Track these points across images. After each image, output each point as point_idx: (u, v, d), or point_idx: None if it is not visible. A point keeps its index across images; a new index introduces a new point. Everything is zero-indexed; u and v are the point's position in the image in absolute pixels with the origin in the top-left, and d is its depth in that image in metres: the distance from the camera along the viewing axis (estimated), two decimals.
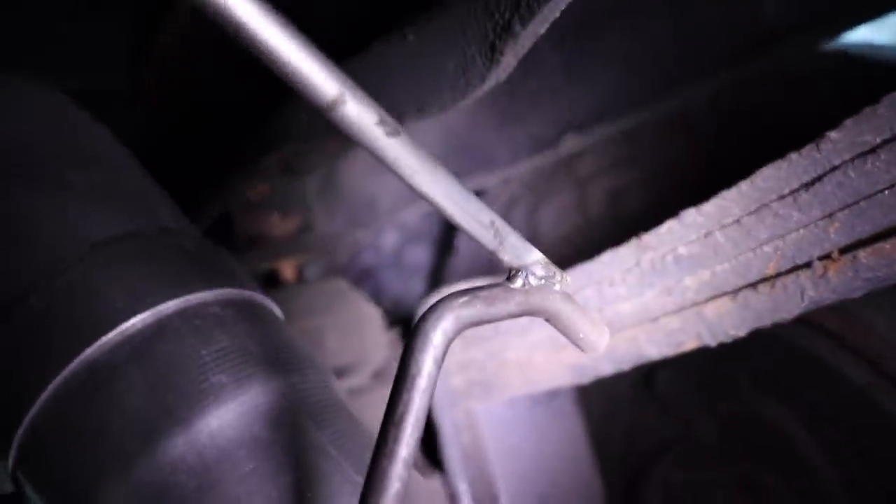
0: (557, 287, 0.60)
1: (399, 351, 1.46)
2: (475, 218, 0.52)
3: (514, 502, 1.35)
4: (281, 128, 1.16)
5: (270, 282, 1.42)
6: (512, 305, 0.56)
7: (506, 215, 1.78)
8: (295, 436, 0.71)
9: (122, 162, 1.02)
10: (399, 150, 0.47)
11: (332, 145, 1.19)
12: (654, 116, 1.61)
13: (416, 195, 0.54)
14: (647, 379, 1.68)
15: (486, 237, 0.53)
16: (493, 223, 0.53)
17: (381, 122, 0.46)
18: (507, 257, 0.56)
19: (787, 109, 1.45)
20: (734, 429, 1.64)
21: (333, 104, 0.44)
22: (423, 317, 0.54)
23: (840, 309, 1.33)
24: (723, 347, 0.91)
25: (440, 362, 0.53)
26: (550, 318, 0.59)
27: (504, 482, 1.34)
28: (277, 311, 0.93)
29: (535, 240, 1.78)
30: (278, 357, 0.78)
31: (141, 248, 0.84)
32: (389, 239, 1.78)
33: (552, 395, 1.35)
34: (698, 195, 0.91)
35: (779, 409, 1.56)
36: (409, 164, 0.48)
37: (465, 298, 0.54)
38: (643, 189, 1.69)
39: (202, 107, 1.40)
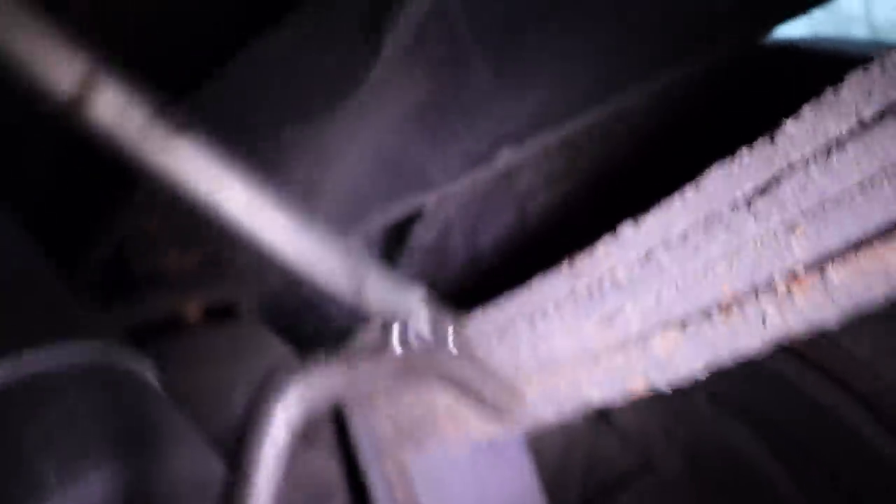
0: (450, 342, 0.45)
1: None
2: (314, 250, 0.38)
3: None
4: None
5: (173, 324, 1.26)
6: (385, 373, 0.42)
7: (444, 238, 1.65)
8: None
9: None
10: (181, 158, 0.33)
11: None
12: (593, 123, 1.50)
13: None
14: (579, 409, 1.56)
15: (338, 277, 0.39)
16: (345, 257, 0.39)
17: (156, 118, 0.31)
18: (373, 306, 0.41)
19: (732, 107, 1.35)
20: (697, 458, 1.54)
21: (75, 101, 0.29)
22: (255, 403, 0.39)
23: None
24: None
25: (285, 458, 0.39)
26: (446, 385, 0.45)
27: None
28: (149, 372, 0.77)
29: (475, 264, 1.66)
30: (130, 437, 0.62)
31: None
32: None
33: (494, 441, 1.21)
34: (645, 206, 0.78)
35: (743, 433, 1.46)
36: (200, 173, 0.34)
37: (315, 373, 0.39)
38: (585, 202, 1.58)
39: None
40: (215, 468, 0.68)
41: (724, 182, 0.69)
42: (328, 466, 1.19)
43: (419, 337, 0.42)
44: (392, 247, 1.77)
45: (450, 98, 1.52)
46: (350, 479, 1.21)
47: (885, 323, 1.11)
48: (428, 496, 1.16)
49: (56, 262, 0.90)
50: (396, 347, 0.42)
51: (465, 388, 0.45)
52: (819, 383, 1.28)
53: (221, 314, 1.31)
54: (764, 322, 0.67)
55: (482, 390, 0.46)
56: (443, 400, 1.01)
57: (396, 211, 1.59)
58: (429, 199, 1.62)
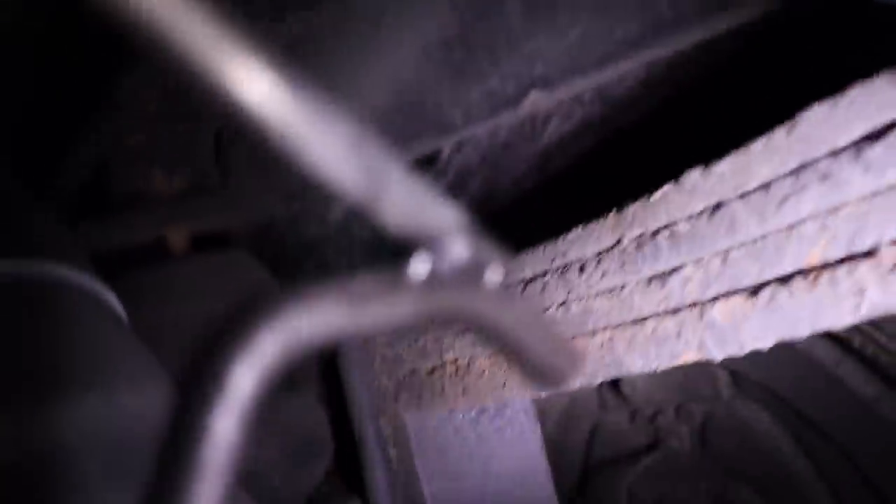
0: (489, 278, 0.33)
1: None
2: (318, 128, 0.25)
3: None
4: None
5: (156, 251, 1.13)
6: (402, 308, 0.29)
7: (460, 185, 1.55)
8: (65, 497, 0.43)
9: None
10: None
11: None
12: (634, 69, 1.39)
13: None
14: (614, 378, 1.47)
15: (345, 172, 0.26)
16: (358, 145, 0.26)
17: None
18: (393, 220, 0.29)
19: (790, 58, 1.22)
20: (709, 437, 1.47)
21: None
22: (220, 335, 0.27)
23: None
24: None
25: (250, 421, 0.26)
26: (478, 332, 0.33)
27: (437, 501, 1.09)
28: (110, 297, 0.65)
29: (491, 215, 1.55)
30: (74, 367, 0.50)
31: None
32: (337, 209, 1.51)
33: (505, 408, 1.10)
34: (689, 165, 0.66)
35: (763, 414, 1.38)
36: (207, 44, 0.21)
37: (306, 299, 0.27)
38: (618, 158, 1.47)
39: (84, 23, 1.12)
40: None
41: (825, 123, 0.56)
42: (317, 418, 1.08)
43: (451, 267, 0.30)
44: None
45: (476, 34, 1.41)
46: (341, 434, 1.10)
47: None
48: (425, 458, 1.05)
49: (31, 179, 0.79)
50: (419, 277, 0.29)
51: (505, 338, 0.33)
52: (859, 373, 1.18)
53: (209, 244, 1.19)
54: (861, 296, 0.54)
55: (528, 344, 0.33)
56: (452, 355, 0.90)
57: (410, 155, 1.48)
58: (446, 145, 1.48)
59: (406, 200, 0.28)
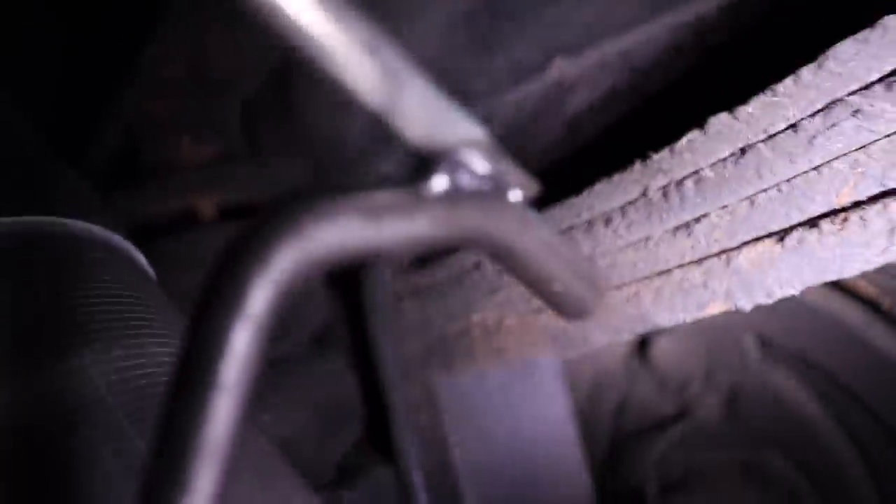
0: (514, 197, 0.32)
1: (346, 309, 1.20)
2: (334, 28, 0.25)
3: (479, 494, 1.10)
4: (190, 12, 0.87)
5: (184, 221, 1.14)
6: (421, 223, 0.29)
7: None
8: (96, 445, 0.43)
9: None
10: None
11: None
12: (660, 34, 1.37)
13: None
14: (641, 346, 1.48)
15: (363, 75, 0.26)
16: (375, 49, 0.26)
17: None
18: (412, 130, 0.28)
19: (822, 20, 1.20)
20: (737, 404, 1.46)
21: None
22: (235, 244, 0.26)
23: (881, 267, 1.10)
24: None
25: (267, 330, 0.26)
26: (499, 254, 0.32)
27: (468, 471, 1.09)
28: (137, 255, 0.65)
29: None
30: (100, 319, 0.51)
31: None
32: (360, 180, 1.52)
33: (529, 365, 1.09)
34: None
35: (791, 380, 1.37)
36: None
37: (322, 209, 0.27)
38: (647, 125, 1.45)
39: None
40: None
41: (856, 57, 0.54)
42: (345, 384, 1.08)
43: (472, 178, 0.29)
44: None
45: (500, 2, 1.41)
46: (370, 399, 1.10)
47: None
48: (455, 423, 1.05)
49: (63, 149, 0.80)
50: (438, 188, 0.28)
51: (527, 259, 0.32)
52: (889, 336, 1.17)
53: (238, 214, 1.19)
54: (891, 236, 0.53)
55: (551, 266, 0.33)
56: (479, 317, 0.90)
57: None
58: (475, 113, 1.51)
59: (425, 108, 0.28)
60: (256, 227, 0.26)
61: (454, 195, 0.29)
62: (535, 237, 0.32)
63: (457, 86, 1.50)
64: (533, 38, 1.43)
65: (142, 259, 0.65)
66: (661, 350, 1.47)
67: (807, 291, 0.61)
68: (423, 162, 0.30)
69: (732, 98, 0.74)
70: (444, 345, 0.98)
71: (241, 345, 0.26)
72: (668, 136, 0.97)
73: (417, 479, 1.09)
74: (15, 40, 1.23)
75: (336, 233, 0.26)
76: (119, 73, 1.02)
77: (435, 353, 1.01)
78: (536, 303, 0.76)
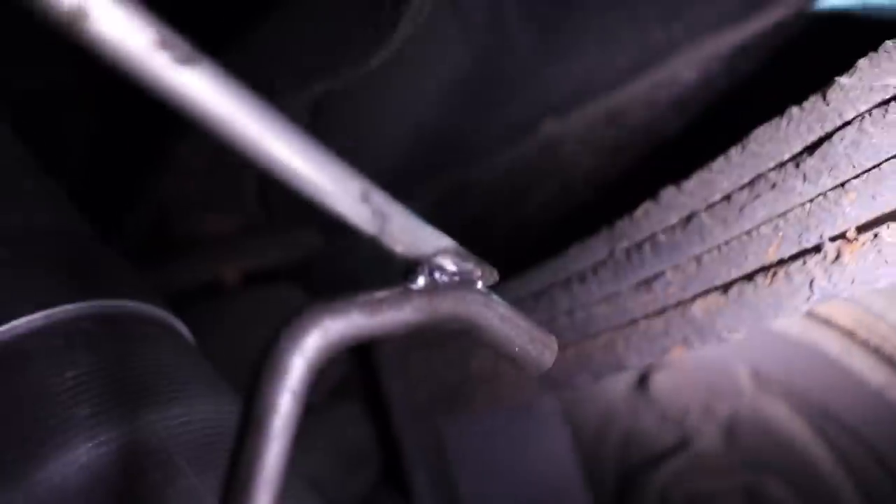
0: (479, 285, 0.44)
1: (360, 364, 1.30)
2: (338, 187, 0.36)
3: None
4: None
5: (212, 289, 1.26)
6: (408, 313, 0.40)
7: (489, 213, 1.63)
8: (163, 484, 0.55)
9: (3, 160, 0.86)
10: (199, 86, 0.31)
11: None
12: (639, 93, 1.46)
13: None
14: (641, 381, 1.55)
15: (360, 216, 0.37)
16: (367, 196, 0.37)
17: (164, 45, 0.30)
18: (397, 247, 0.40)
19: (781, 76, 1.30)
20: (737, 434, 1.52)
21: (73, 18, 0.28)
22: (276, 335, 0.38)
23: (853, 299, 1.19)
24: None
25: (302, 396, 0.38)
26: (471, 329, 0.44)
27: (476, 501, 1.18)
28: (181, 327, 0.77)
29: (520, 238, 1.63)
30: (159, 383, 0.62)
31: None
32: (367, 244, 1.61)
33: (529, 407, 1.19)
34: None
35: (785, 411, 1.44)
36: (218, 105, 0.32)
37: (336, 307, 0.38)
38: (631, 174, 1.55)
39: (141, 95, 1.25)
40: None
41: (771, 140, 0.66)
42: (362, 430, 1.19)
43: (444, 276, 0.41)
44: (436, 220, 1.75)
45: (491, 68, 1.50)
46: (384, 442, 1.20)
47: None
48: (462, 462, 1.15)
49: (97, 227, 0.91)
50: (420, 285, 0.40)
51: (491, 332, 0.43)
52: (866, 362, 1.25)
53: (260, 279, 1.31)
54: (811, 286, 0.64)
55: (510, 335, 0.44)
56: (476, 364, 1.00)
57: (440, 185, 1.57)
58: (472, 173, 1.60)
59: (406, 231, 0.40)
60: (290, 323, 0.37)
61: (432, 290, 0.41)
62: (496, 314, 0.44)
63: (454, 146, 1.60)
64: (523, 101, 1.52)
65: (185, 331, 0.77)
66: (660, 384, 1.54)
67: (783, 324, 0.72)
68: (408, 266, 0.41)
69: (705, 153, 0.84)
70: (448, 391, 1.09)
71: (284, 407, 0.37)
72: (645, 190, 1.08)
73: None
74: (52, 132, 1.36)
75: (347, 324, 0.38)
76: (149, 162, 1.15)
77: (440, 398, 1.11)
78: None
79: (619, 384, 1.56)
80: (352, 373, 1.25)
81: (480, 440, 1.18)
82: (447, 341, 1.04)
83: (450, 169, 1.59)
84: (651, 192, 0.82)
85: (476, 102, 1.54)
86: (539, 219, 1.62)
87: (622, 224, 0.78)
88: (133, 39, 0.29)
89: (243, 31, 0.81)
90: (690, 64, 1.39)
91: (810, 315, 1.17)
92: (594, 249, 0.81)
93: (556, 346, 0.47)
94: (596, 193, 1.57)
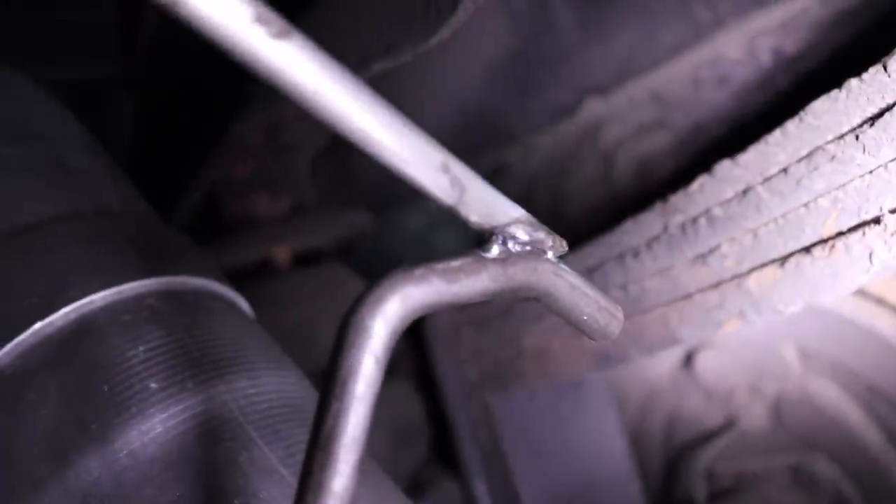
0: (549, 255, 0.45)
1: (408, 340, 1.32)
2: (420, 157, 0.37)
3: (535, 498, 1.21)
4: (260, 88, 1.02)
5: (263, 268, 1.29)
6: (484, 281, 0.41)
7: (529, 192, 1.64)
8: (235, 453, 0.57)
9: (71, 140, 0.89)
10: (293, 58, 0.33)
11: None
12: (682, 72, 1.46)
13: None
14: (687, 361, 1.55)
15: (439, 186, 0.38)
16: (446, 166, 0.38)
17: (260, 20, 0.31)
18: (473, 216, 0.41)
19: (835, 52, 1.29)
20: (782, 412, 1.51)
21: None
22: (359, 301, 0.39)
23: None
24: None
25: (384, 360, 0.39)
26: (541, 298, 0.45)
27: (527, 482, 1.20)
28: (242, 302, 0.79)
29: (559, 217, 1.63)
30: (226, 357, 0.64)
31: (70, 231, 0.71)
32: (413, 222, 1.64)
33: (577, 385, 1.20)
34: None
35: (834, 390, 1.43)
36: (309, 77, 0.34)
37: (416, 274, 0.40)
38: (674, 155, 1.54)
39: (190, 81, 1.28)
40: (309, 391, 0.70)
41: (830, 113, 0.66)
42: (412, 406, 1.21)
43: (517, 245, 0.42)
44: None
45: (534, 48, 1.50)
46: (435, 418, 1.22)
47: None
48: (511, 438, 1.16)
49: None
50: (494, 254, 0.41)
51: (563, 303, 0.45)
52: None
53: (309, 259, 1.33)
54: (871, 258, 0.64)
55: (579, 304, 0.45)
56: (528, 341, 1.01)
57: (481, 166, 1.57)
58: (514, 153, 1.58)
59: (481, 201, 0.41)
60: (372, 289, 0.39)
61: (505, 259, 0.42)
62: (566, 283, 0.45)
63: (498, 127, 1.60)
64: (566, 81, 1.52)
65: (246, 306, 0.79)
66: (706, 364, 1.54)
67: (825, 304, 0.72)
68: (482, 236, 0.42)
69: (751, 129, 0.84)
70: (499, 368, 1.10)
71: (367, 370, 0.38)
72: (691, 170, 1.08)
73: (481, 490, 1.20)
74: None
75: (426, 291, 0.39)
76: (206, 144, 1.17)
77: (491, 375, 1.13)
78: None
79: (664, 364, 1.56)
80: (403, 350, 1.27)
81: (530, 417, 1.19)
82: (501, 319, 1.05)
83: (493, 149, 1.60)
84: (704, 168, 0.83)
85: (520, 83, 1.55)
86: (581, 197, 1.62)
87: (676, 198, 0.79)
88: (232, 15, 0.31)
89: (302, 10, 0.83)
90: (736, 41, 1.38)
91: (861, 293, 1.16)
92: (648, 224, 0.81)
93: (622, 316, 0.47)
94: (638, 172, 1.56)
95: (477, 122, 1.62)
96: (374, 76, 1.12)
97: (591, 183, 1.62)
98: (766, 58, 1.41)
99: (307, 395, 0.68)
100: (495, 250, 0.42)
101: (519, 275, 0.42)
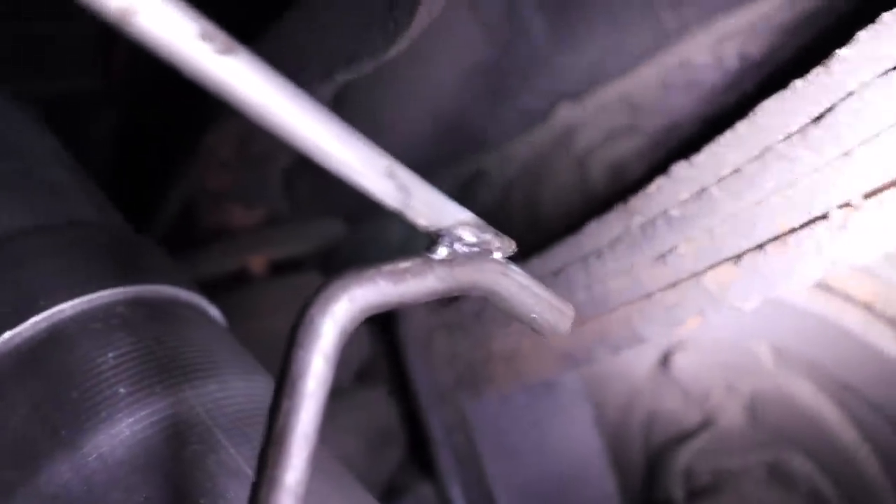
0: (497, 255, 0.46)
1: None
2: (366, 165, 0.39)
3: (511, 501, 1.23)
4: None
5: (239, 278, 1.30)
6: (431, 282, 0.43)
7: (506, 199, 1.65)
8: (202, 455, 0.58)
9: (42, 153, 0.90)
10: (238, 73, 0.34)
11: None
12: (652, 77, 1.48)
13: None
14: (664, 362, 1.57)
15: (386, 191, 0.40)
16: (392, 172, 0.40)
17: (205, 37, 0.33)
18: (420, 219, 0.43)
19: (799, 54, 1.31)
20: (758, 411, 1.53)
21: (122, 15, 0.31)
22: (308, 302, 0.41)
23: (869, 271, 1.20)
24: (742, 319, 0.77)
25: (333, 359, 0.40)
26: (490, 297, 0.46)
27: (501, 483, 1.21)
28: (213, 311, 0.80)
29: (535, 223, 1.65)
30: (195, 362, 0.66)
31: (41, 243, 0.72)
32: (390, 231, 1.65)
33: (551, 386, 1.22)
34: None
35: (807, 386, 1.44)
36: (255, 91, 0.35)
37: (364, 276, 0.41)
38: (647, 158, 1.56)
39: (167, 93, 1.30)
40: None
41: (777, 113, 0.68)
42: (388, 411, 1.22)
43: (464, 247, 0.44)
44: None
45: (506, 56, 1.52)
46: (410, 423, 1.24)
47: None
48: (485, 440, 1.18)
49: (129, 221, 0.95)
50: (441, 256, 0.43)
51: (509, 299, 0.46)
52: (885, 334, 1.26)
53: (285, 269, 1.35)
54: (820, 253, 0.66)
55: (528, 302, 0.47)
56: (498, 342, 1.03)
57: (458, 173, 1.59)
58: (490, 160, 1.62)
59: (428, 204, 0.43)
60: (321, 290, 0.40)
61: (452, 260, 0.44)
62: (514, 282, 0.46)
63: (474, 133, 1.62)
64: (538, 88, 1.54)
65: (218, 314, 0.81)
66: (682, 364, 1.56)
67: (801, 299, 0.73)
68: (430, 238, 0.44)
69: (718, 130, 0.86)
70: (472, 371, 1.11)
71: (317, 368, 0.40)
72: (659, 169, 1.09)
73: (455, 492, 1.21)
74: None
75: (373, 292, 0.41)
76: (178, 156, 1.19)
77: (464, 379, 1.14)
78: None
79: (642, 365, 1.57)
80: (377, 356, 1.28)
81: (504, 419, 1.21)
82: (472, 323, 1.07)
83: (467, 157, 1.62)
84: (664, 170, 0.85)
85: (493, 90, 1.56)
86: (556, 203, 1.64)
87: (636, 200, 0.81)
88: (178, 33, 0.32)
89: (265, 25, 0.85)
90: (702, 46, 1.40)
91: (829, 289, 1.17)
92: (610, 225, 0.83)
93: (572, 313, 0.49)
94: (611, 176, 1.58)
95: (452, 130, 1.63)
96: (343, 89, 1.14)
97: (566, 188, 1.63)
98: (732, 62, 1.43)
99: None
100: (442, 252, 0.44)
101: (465, 275, 0.44)
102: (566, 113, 1.54)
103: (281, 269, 1.33)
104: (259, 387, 0.69)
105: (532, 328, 0.49)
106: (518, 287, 0.47)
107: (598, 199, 1.56)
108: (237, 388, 0.66)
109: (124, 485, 0.56)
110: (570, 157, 1.61)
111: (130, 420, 0.59)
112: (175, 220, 1.29)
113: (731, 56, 1.42)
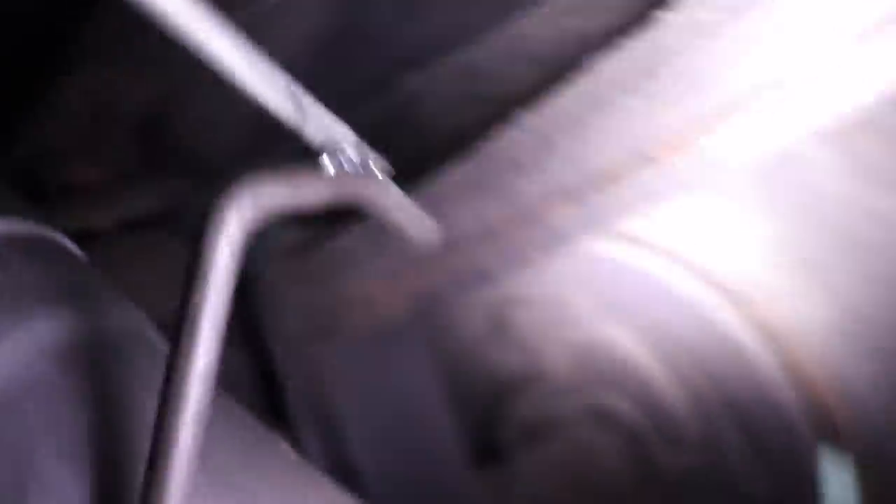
0: (378, 175, 0.52)
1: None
2: (268, 84, 0.44)
3: (368, 452, 1.28)
4: (80, 53, 1.02)
5: (86, 236, 1.27)
6: (321, 190, 0.48)
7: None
8: (93, 375, 0.60)
9: None
10: None
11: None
12: (498, 45, 1.54)
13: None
14: (501, 316, 1.64)
15: (286, 110, 0.45)
16: (292, 92, 0.45)
17: None
18: (314, 138, 0.47)
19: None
20: (584, 360, 1.62)
21: None
22: (216, 202, 0.45)
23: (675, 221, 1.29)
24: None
25: (238, 256, 0.45)
26: (369, 208, 0.52)
27: (353, 427, 1.27)
28: (73, 247, 0.81)
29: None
30: (69, 291, 0.67)
31: None
32: None
33: (400, 335, 1.28)
34: None
35: (624, 333, 1.54)
36: (171, 5, 0.39)
37: (265, 180, 0.46)
38: (489, 126, 1.62)
39: (12, 47, 1.24)
40: (147, 324, 0.73)
41: (610, 68, 0.77)
42: (236, 357, 1.24)
43: (349, 165, 0.49)
44: None
45: (348, 26, 1.54)
46: (264, 376, 1.26)
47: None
48: (336, 388, 1.23)
49: None
50: (329, 170, 0.48)
51: (385, 212, 0.52)
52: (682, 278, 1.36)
53: (133, 226, 1.33)
54: (646, 189, 0.76)
55: (400, 216, 0.53)
56: (348, 287, 1.08)
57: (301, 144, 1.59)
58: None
59: (321, 124, 0.48)
60: (229, 187, 0.44)
61: (341, 175, 0.49)
62: (390, 197, 0.52)
63: (326, 102, 1.63)
64: (384, 57, 1.57)
65: (77, 250, 0.81)
66: (518, 319, 1.64)
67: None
68: (318, 150, 0.49)
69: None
70: (323, 320, 1.16)
71: (224, 262, 0.44)
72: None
73: (310, 440, 1.26)
74: None
75: (274, 194, 0.45)
76: (19, 106, 1.14)
77: (316, 329, 1.18)
78: (395, 269, 0.97)
79: (480, 319, 1.63)
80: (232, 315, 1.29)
81: (354, 367, 1.26)
82: (325, 271, 1.11)
83: None
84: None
85: (340, 59, 1.58)
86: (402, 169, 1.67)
87: (485, 146, 0.88)
88: None
89: None
90: (542, 20, 1.47)
91: (633, 239, 1.27)
92: (462, 170, 0.91)
93: (436, 228, 0.56)
94: (459, 143, 1.63)
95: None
96: None
97: (416, 156, 1.66)
98: (571, 35, 1.51)
99: (152, 329, 0.72)
100: (331, 168, 0.49)
101: (350, 187, 0.49)
102: (412, 82, 1.58)
103: (128, 226, 1.32)
104: (135, 314, 0.72)
105: (403, 238, 0.55)
106: (394, 203, 0.53)
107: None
108: (115, 315, 0.68)
109: (14, 405, 0.57)
110: (417, 125, 1.65)
111: (9, 343, 0.60)
112: (17, 177, 1.24)
113: (569, 32, 1.50)
